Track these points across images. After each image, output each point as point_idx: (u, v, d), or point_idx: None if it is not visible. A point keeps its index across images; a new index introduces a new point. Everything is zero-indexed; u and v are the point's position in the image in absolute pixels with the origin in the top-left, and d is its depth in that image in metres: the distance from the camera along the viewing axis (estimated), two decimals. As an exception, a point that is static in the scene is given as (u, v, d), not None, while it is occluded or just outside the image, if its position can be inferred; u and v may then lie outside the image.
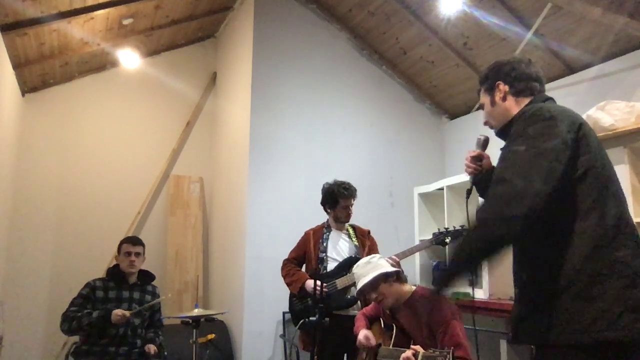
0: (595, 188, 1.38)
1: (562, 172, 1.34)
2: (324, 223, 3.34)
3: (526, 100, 1.58)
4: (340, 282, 3.04)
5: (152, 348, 3.05)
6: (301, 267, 3.30)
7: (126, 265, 3.10)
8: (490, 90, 1.64)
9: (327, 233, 3.25)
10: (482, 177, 1.76)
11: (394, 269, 2.40)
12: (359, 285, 2.40)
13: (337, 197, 3.19)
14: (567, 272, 1.33)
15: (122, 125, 5.06)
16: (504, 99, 1.61)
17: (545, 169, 1.32)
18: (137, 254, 3.14)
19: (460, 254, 1.46)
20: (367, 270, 2.39)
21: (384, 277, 2.35)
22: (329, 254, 3.17)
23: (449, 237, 3.02)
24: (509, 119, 1.58)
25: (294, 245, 3.36)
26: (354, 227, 3.34)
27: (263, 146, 4.36)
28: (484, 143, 1.79)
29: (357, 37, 4.93)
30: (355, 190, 3.25)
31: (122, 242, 3.21)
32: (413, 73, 5.05)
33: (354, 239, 3.25)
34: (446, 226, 3.20)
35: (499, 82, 1.62)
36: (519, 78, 1.59)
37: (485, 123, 1.71)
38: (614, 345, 1.27)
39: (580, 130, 1.41)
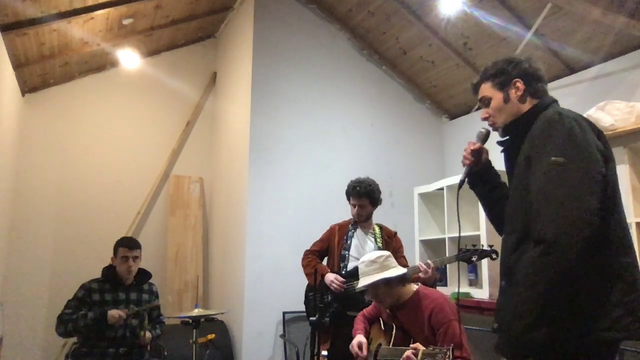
0: (611, 196, 1.38)
1: (604, 183, 1.34)
2: (350, 219, 3.22)
3: (535, 101, 1.56)
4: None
5: (147, 335, 2.97)
6: (322, 260, 3.22)
7: (124, 270, 3.05)
8: (503, 86, 1.59)
9: (353, 230, 3.16)
10: (477, 169, 1.73)
11: (397, 273, 2.33)
12: (360, 283, 2.38)
13: (348, 195, 3.15)
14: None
15: (122, 126, 5.06)
16: (522, 98, 1.57)
17: (593, 184, 1.31)
18: (135, 258, 3.08)
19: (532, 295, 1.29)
20: (371, 270, 2.35)
21: (386, 282, 2.32)
22: (351, 253, 3.08)
23: (476, 256, 2.63)
24: (516, 117, 1.57)
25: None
26: (381, 227, 3.21)
27: (263, 146, 4.36)
28: (485, 136, 1.74)
29: (357, 37, 4.93)
30: (369, 192, 3.08)
31: (118, 245, 3.11)
32: (413, 73, 5.05)
33: (379, 241, 3.13)
34: (474, 244, 2.73)
35: (517, 79, 1.57)
36: (536, 78, 1.56)
37: (486, 118, 1.66)
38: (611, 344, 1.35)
39: (601, 138, 1.42)
